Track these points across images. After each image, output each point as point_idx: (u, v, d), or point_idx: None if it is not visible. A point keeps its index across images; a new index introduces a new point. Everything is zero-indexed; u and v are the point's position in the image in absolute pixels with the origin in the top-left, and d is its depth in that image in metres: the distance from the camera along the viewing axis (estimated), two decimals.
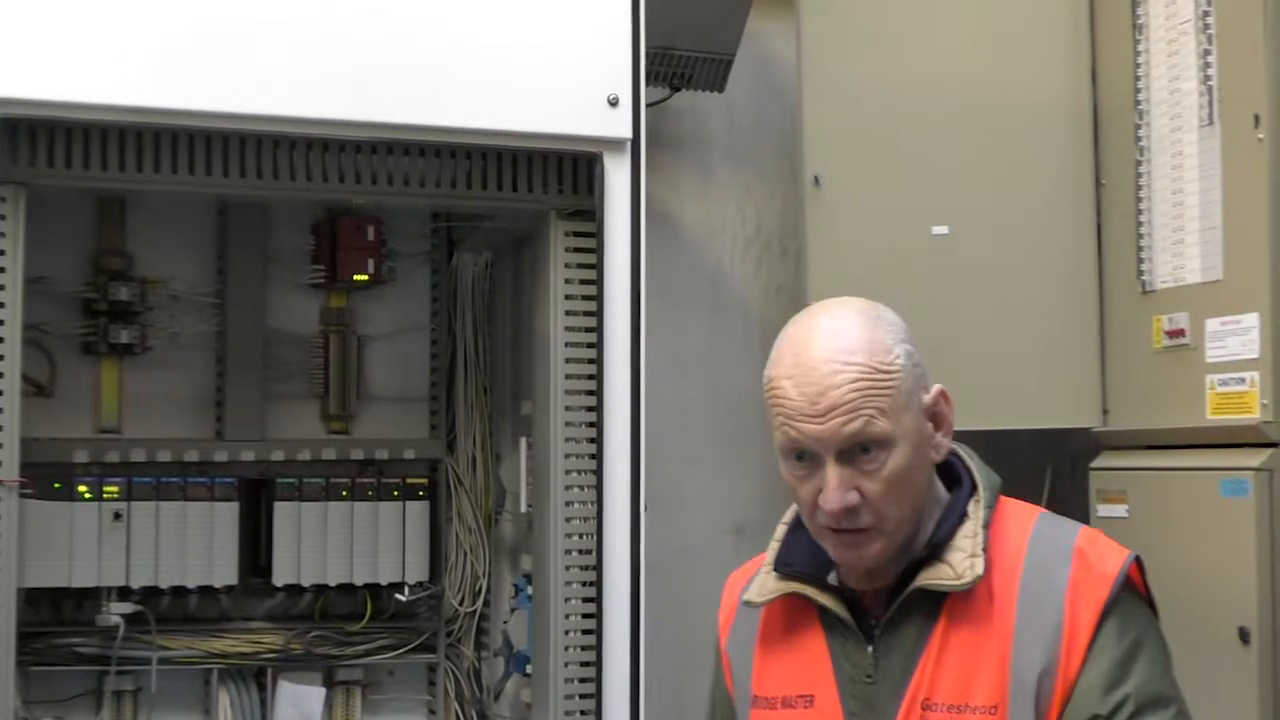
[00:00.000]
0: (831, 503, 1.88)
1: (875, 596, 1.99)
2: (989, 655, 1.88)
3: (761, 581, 2.09)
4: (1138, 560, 1.94)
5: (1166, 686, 1.88)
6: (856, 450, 1.88)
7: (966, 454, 2.06)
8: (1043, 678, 1.85)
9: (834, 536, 1.93)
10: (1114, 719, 1.83)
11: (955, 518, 1.97)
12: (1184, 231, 3.36)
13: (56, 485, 3.33)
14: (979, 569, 1.90)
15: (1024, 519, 1.99)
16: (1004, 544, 1.95)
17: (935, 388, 1.98)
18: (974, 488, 2.01)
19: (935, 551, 1.94)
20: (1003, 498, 2.02)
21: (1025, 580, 1.91)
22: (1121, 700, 1.83)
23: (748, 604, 2.09)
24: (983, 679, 1.88)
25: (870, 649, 1.96)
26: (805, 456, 1.91)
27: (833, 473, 1.88)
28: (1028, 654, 1.86)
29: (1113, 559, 1.91)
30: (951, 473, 2.04)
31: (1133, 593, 1.92)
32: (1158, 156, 3.45)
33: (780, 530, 2.11)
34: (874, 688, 1.94)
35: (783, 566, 2.06)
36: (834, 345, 1.91)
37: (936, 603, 1.93)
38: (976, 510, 1.97)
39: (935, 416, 1.97)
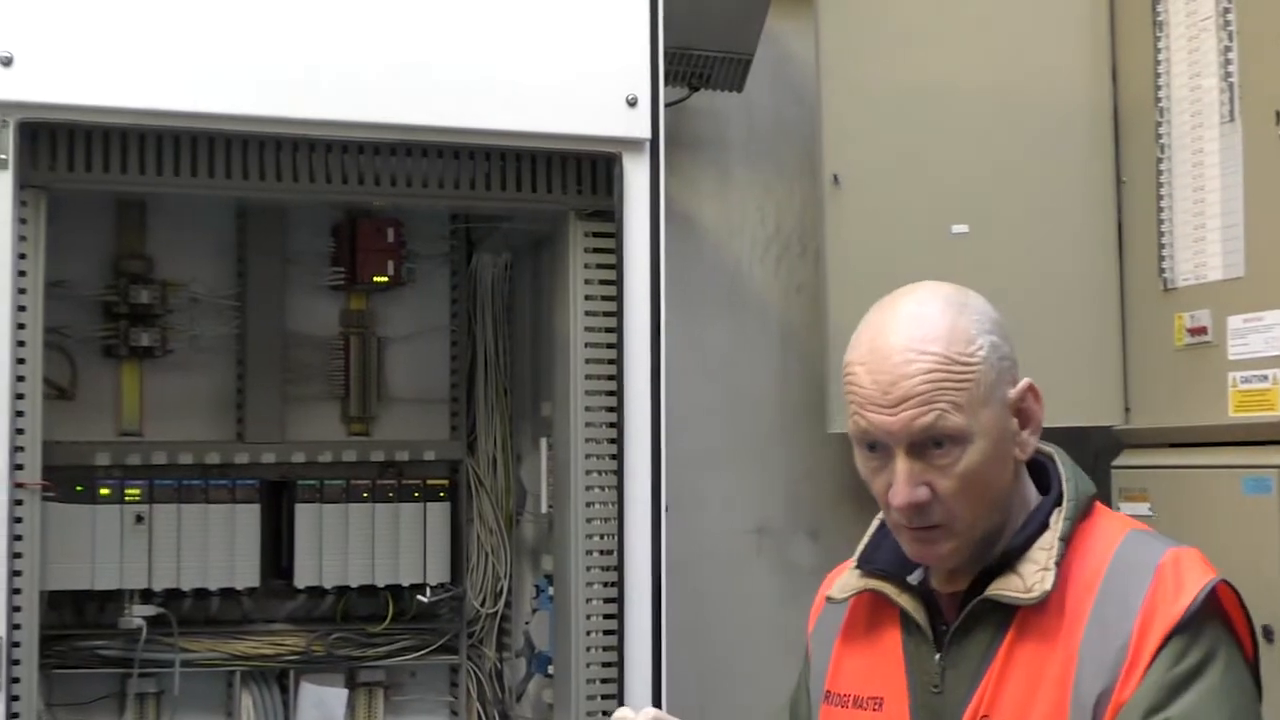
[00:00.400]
0: (899, 498, 1.81)
1: (952, 600, 1.92)
2: (1052, 675, 1.80)
3: (845, 578, 2.04)
4: (1231, 586, 1.84)
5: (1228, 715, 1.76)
6: (929, 444, 1.81)
7: (1061, 459, 1.97)
8: (1100, 700, 1.76)
9: (906, 533, 1.87)
10: None
11: (1035, 527, 1.89)
12: (1205, 229, 3.35)
13: (78, 488, 3.34)
14: (1048, 584, 1.81)
15: (1113, 533, 1.89)
16: (1085, 559, 1.86)
17: (1024, 381, 1.90)
18: (1059, 499, 1.92)
19: (1008, 561, 1.87)
20: (1099, 507, 1.94)
21: (1100, 599, 1.81)
22: None
23: (829, 600, 2.05)
24: (1043, 700, 1.79)
25: (938, 657, 1.89)
26: (877, 447, 1.85)
27: (902, 466, 1.81)
28: (1090, 677, 1.77)
29: (1194, 581, 1.80)
30: (1045, 478, 1.96)
31: (1215, 619, 1.80)
32: (1178, 154, 3.44)
33: (873, 525, 2.05)
34: (940, 698, 1.88)
35: (865, 563, 2.01)
36: (912, 333, 1.83)
37: (1007, 615, 1.85)
38: (1058, 521, 1.88)
39: (1021, 413, 1.89)
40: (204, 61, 2.86)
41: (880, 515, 2.01)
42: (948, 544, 1.86)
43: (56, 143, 2.82)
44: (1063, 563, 1.85)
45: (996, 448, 1.84)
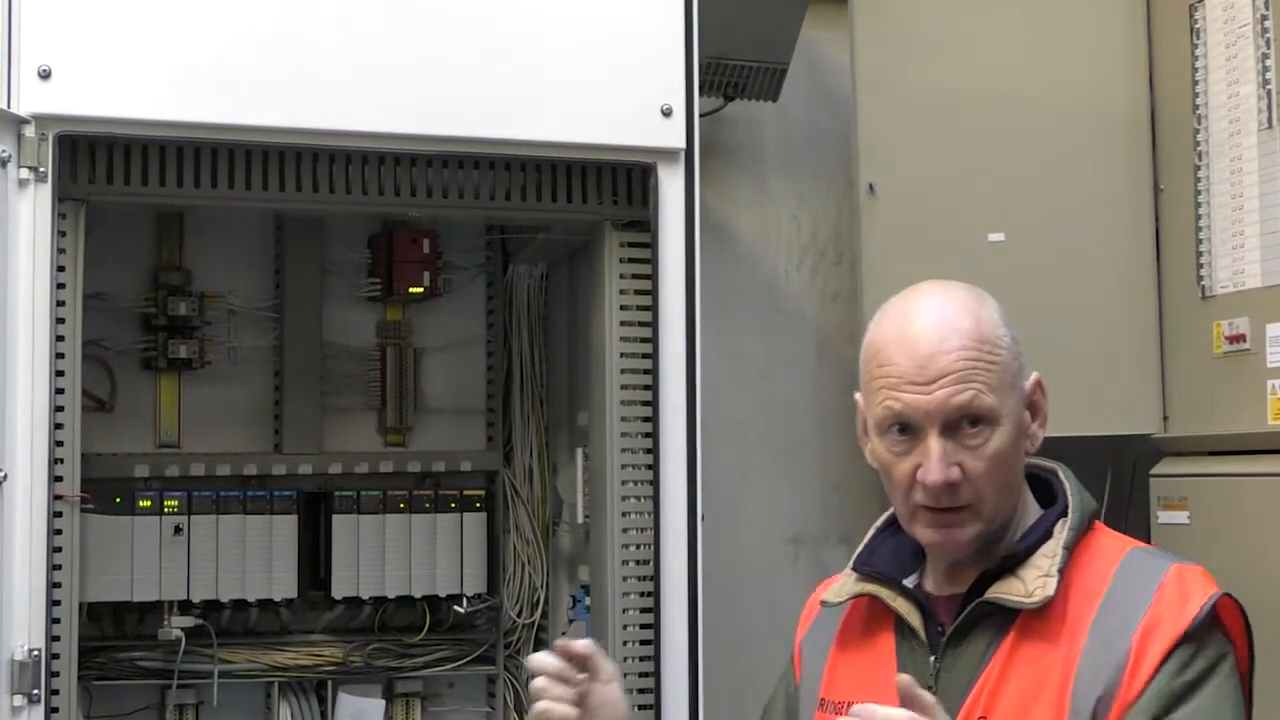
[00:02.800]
0: (934, 474, 1.82)
1: (948, 605, 1.94)
2: (1052, 680, 1.81)
3: (841, 582, 2.05)
4: (1236, 603, 1.86)
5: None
6: (962, 423, 1.84)
7: (1065, 474, 2.01)
8: (1099, 705, 1.77)
9: (929, 516, 1.87)
10: None
11: (1039, 533, 1.91)
12: (1244, 235, 3.34)
13: (117, 500, 3.35)
14: (1050, 590, 1.83)
15: (1116, 548, 1.92)
16: (1089, 569, 1.88)
17: (1035, 375, 1.94)
18: (1065, 510, 1.94)
19: (1010, 565, 1.88)
20: (1100, 526, 1.96)
21: (1104, 608, 1.83)
22: None
23: (824, 604, 2.06)
24: (1042, 704, 1.80)
25: (933, 659, 1.91)
26: (907, 429, 1.86)
27: (935, 444, 1.83)
28: (1089, 682, 1.79)
29: (1198, 594, 1.81)
30: (1049, 492, 1.99)
31: (1217, 631, 1.83)
32: (1216, 160, 3.42)
33: (870, 531, 2.07)
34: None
35: (862, 566, 2.02)
36: (944, 314, 1.87)
37: (1007, 619, 1.87)
38: (1062, 530, 1.91)
39: (1033, 405, 1.93)
40: (242, 74, 2.87)
41: (878, 522, 2.06)
42: (972, 528, 1.87)
43: (95, 155, 2.83)
44: (1065, 571, 1.87)
45: (1017, 434, 1.89)
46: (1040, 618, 1.85)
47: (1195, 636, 1.78)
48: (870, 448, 1.95)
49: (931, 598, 1.96)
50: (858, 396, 1.97)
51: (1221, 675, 1.80)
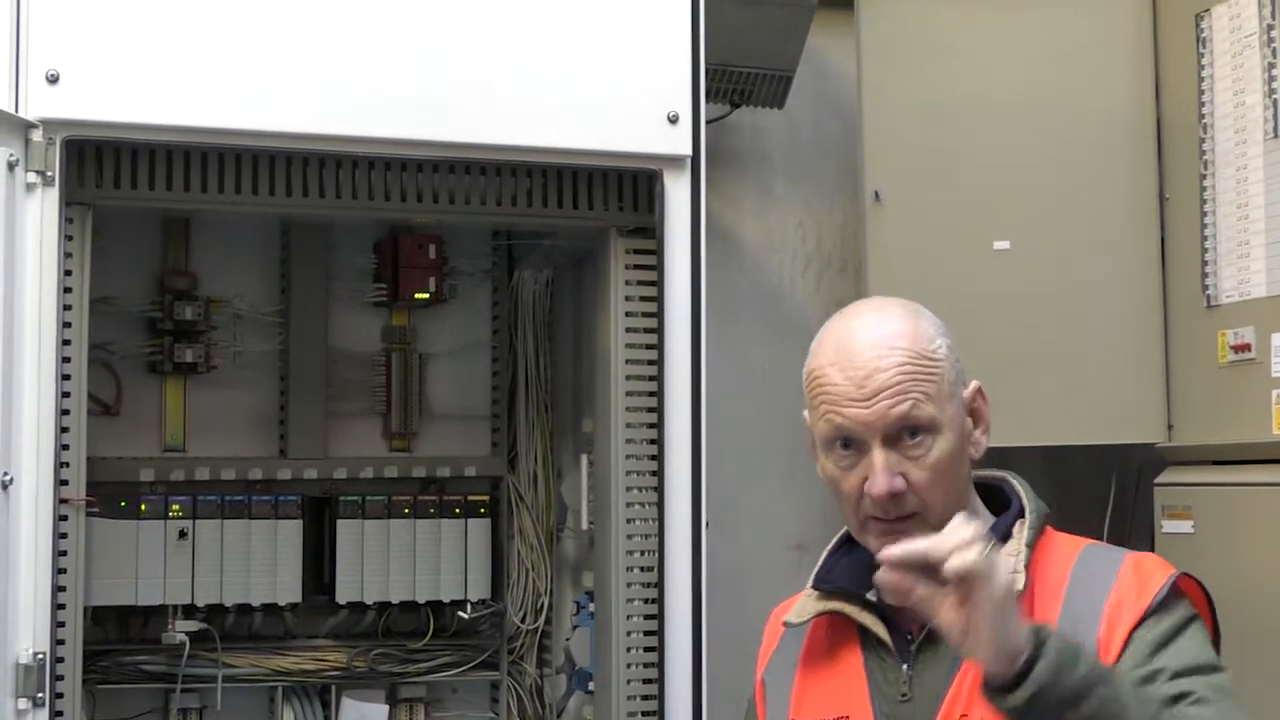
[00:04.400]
0: (879, 486, 1.87)
1: (911, 613, 1.93)
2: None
3: (802, 603, 2.08)
4: (1198, 583, 1.92)
5: (1210, 659, 1.83)
6: (903, 435, 1.88)
7: (1018, 481, 2.05)
8: None
9: (878, 527, 1.91)
10: (1153, 680, 1.79)
11: (1000, 534, 1.95)
12: (1249, 245, 3.34)
13: (122, 504, 3.35)
14: (1019, 584, 1.87)
15: (1071, 546, 1.97)
16: (1049, 565, 1.93)
17: (973, 383, 1.98)
18: (1021, 512, 2.00)
19: None
20: (1051, 529, 2.00)
21: (1068, 601, 1.88)
22: (1156, 670, 1.79)
23: (788, 624, 2.08)
24: None
25: (905, 666, 1.94)
26: (850, 444, 1.91)
27: (879, 456, 1.88)
28: None
29: (1158, 577, 1.88)
30: (1001, 498, 2.03)
31: (1182, 600, 1.88)
32: (1222, 170, 3.42)
33: (824, 555, 2.11)
34: (909, 705, 1.92)
35: (822, 584, 2.06)
36: (879, 332, 1.92)
37: None
38: (1021, 530, 1.96)
39: (974, 412, 1.97)
40: (248, 79, 2.88)
41: (831, 544, 2.10)
42: (920, 535, 1.85)
43: (102, 160, 2.84)
44: (1028, 568, 1.91)
45: (960, 442, 1.93)
46: None
47: (1160, 608, 1.84)
48: (820, 464, 2.00)
49: (894, 609, 1.98)
50: (805, 415, 2.03)
51: (1195, 627, 1.86)
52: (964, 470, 1.96)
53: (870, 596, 2.00)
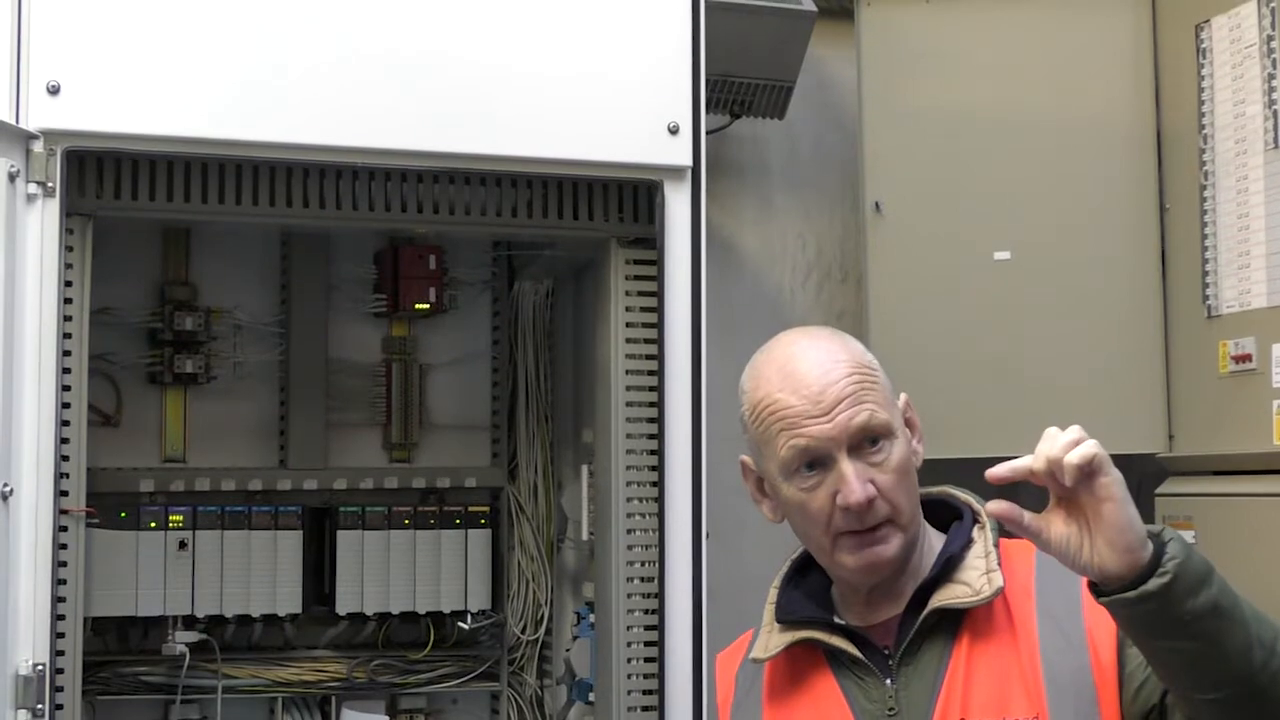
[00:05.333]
0: (856, 494, 1.88)
1: (883, 630, 1.98)
2: (1020, 667, 1.88)
3: (765, 638, 2.06)
4: None
5: None
6: (865, 443, 1.91)
7: (962, 491, 2.08)
8: (1077, 675, 1.85)
9: (853, 540, 1.92)
10: None
11: (962, 541, 1.98)
12: (1249, 255, 3.34)
13: (123, 514, 3.35)
14: (998, 581, 1.91)
15: (1024, 545, 1.95)
16: (1012, 566, 1.96)
17: (903, 395, 2.01)
18: (975, 518, 2.02)
19: (947, 573, 1.95)
20: (1001, 539, 2.02)
21: (1040, 595, 1.92)
22: None
23: (755, 661, 2.07)
24: (1018, 690, 1.87)
25: (889, 682, 1.94)
26: (815, 464, 1.92)
27: (848, 466, 1.89)
28: (1059, 661, 1.87)
29: None
30: (951, 511, 2.05)
31: None
32: (1223, 180, 3.43)
33: (772, 593, 2.10)
34: (898, 719, 1.92)
35: (787, 616, 2.05)
36: (819, 350, 1.96)
37: (954, 625, 1.93)
38: (982, 534, 1.99)
39: (909, 423, 2.00)
40: (248, 90, 2.88)
41: (775, 583, 2.10)
42: (895, 540, 1.93)
43: (103, 170, 2.84)
44: (999, 568, 1.94)
45: (907, 448, 1.96)
46: (986, 615, 1.92)
47: None
48: (769, 504, 2.03)
49: (862, 629, 2.00)
50: (744, 459, 2.07)
51: None
52: (915, 476, 1.98)
53: (838, 620, 2.01)
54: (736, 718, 2.12)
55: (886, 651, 1.96)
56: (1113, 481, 1.70)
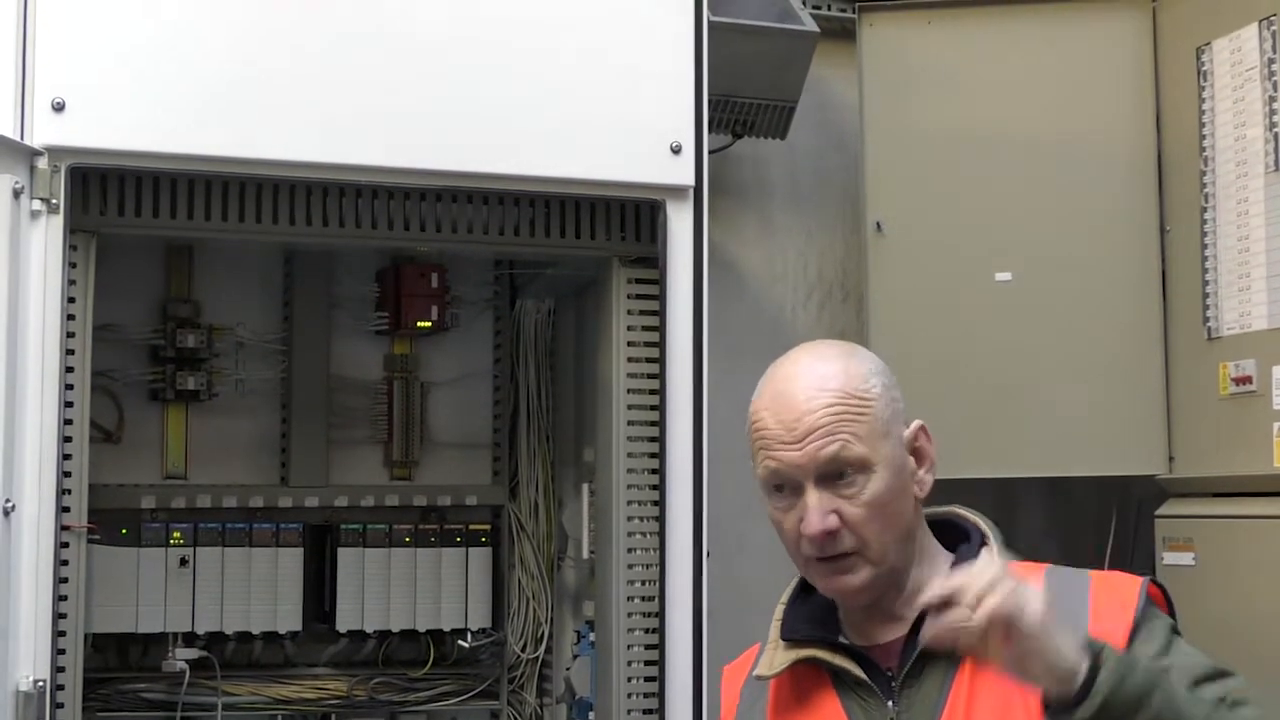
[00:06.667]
0: (812, 525, 1.89)
1: (887, 651, 1.98)
2: (1023, 693, 1.82)
3: (770, 656, 2.06)
4: (1160, 587, 1.95)
5: (1217, 662, 1.86)
6: (834, 475, 1.90)
7: (969, 511, 2.08)
8: None
9: (818, 566, 1.94)
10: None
11: (972, 559, 1.95)
12: (1250, 278, 3.34)
13: (124, 531, 3.36)
14: None
15: (1030, 566, 1.98)
16: None
17: (916, 422, 2.00)
18: (984, 539, 2.02)
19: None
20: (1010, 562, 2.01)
21: None
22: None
23: (759, 678, 2.07)
24: (1020, 717, 1.85)
25: (891, 703, 1.94)
26: (785, 487, 1.94)
27: (812, 497, 1.90)
28: None
29: (1129, 586, 1.92)
30: (958, 532, 2.05)
31: (1157, 608, 1.93)
32: (1223, 202, 3.43)
33: (779, 610, 2.10)
34: None
35: (791, 634, 2.05)
36: (810, 376, 1.96)
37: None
38: (991, 554, 1.97)
39: (916, 452, 1.99)
40: (252, 108, 2.89)
41: (784, 600, 2.10)
42: (862, 572, 1.93)
43: (107, 187, 2.85)
44: None
45: (897, 479, 1.94)
46: None
47: (1144, 618, 1.88)
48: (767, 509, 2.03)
49: (867, 649, 1.99)
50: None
51: (1180, 639, 1.90)
52: (905, 507, 1.96)
53: (843, 639, 2.01)
54: None
55: (890, 673, 1.95)
56: (1026, 631, 1.65)
